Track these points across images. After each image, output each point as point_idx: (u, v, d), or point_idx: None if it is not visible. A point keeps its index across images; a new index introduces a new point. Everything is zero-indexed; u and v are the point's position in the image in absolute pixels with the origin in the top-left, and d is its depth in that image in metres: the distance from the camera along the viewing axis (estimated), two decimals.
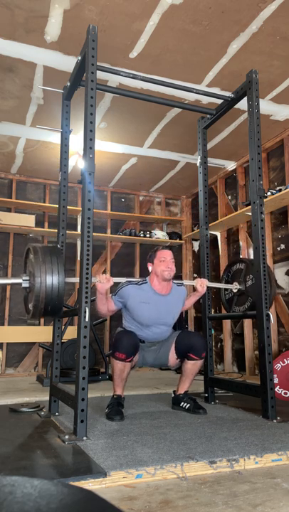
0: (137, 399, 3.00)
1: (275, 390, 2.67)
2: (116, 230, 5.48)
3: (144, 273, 2.99)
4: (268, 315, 2.43)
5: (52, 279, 2.15)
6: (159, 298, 2.63)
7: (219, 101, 3.12)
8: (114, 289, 2.70)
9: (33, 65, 3.04)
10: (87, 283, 2.04)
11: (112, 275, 2.78)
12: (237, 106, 3.08)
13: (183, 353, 2.61)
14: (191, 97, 3.41)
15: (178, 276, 5.62)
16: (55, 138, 4.11)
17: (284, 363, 3.03)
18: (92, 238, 2.08)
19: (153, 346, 2.69)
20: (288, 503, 1.25)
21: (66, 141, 2.83)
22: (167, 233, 5.61)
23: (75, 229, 5.14)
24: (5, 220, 4.72)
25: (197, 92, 2.84)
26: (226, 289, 3.11)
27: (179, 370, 2.87)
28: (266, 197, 3.78)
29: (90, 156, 2.15)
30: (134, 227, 5.60)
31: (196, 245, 5.69)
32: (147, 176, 5.15)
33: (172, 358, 2.67)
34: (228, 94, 2.92)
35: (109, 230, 5.44)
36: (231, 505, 1.23)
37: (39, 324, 4.90)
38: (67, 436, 1.89)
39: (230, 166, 4.84)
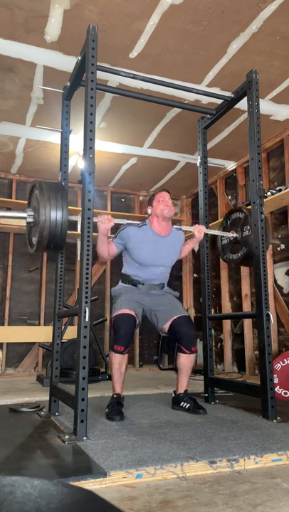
0: (137, 399, 3.00)
1: (275, 390, 2.67)
2: (116, 230, 5.46)
3: None
4: (267, 315, 2.43)
5: (56, 215, 2.19)
6: (158, 239, 2.75)
7: (219, 101, 3.12)
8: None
9: (33, 65, 3.05)
10: (87, 283, 2.04)
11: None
12: (237, 106, 3.08)
13: (174, 339, 2.64)
14: (191, 97, 3.41)
15: (178, 276, 5.63)
16: (55, 138, 4.10)
17: (284, 363, 3.03)
18: (92, 238, 2.09)
19: (152, 290, 2.75)
20: (288, 503, 1.25)
21: (66, 141, 2.83)
22: None
23: (75, 229, 5.13)
24: (5, 220, 4.71)
25: (197, 92, 2.84)
26: (222, 236, 3.23)
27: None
28: (266, 197, 3.78)
29: (90, 156, 2.15)
30: None
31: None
32: (147, 176, 5.15)
33: (166, 325, 2.64)
34: (228, 94, 2.92)
35: (109, 230, 5.43)
36: (231, 505, 1.23)
37: (39, 324, 4.90)
38: (67, 436, 1.89)
39: (230, 166, 4.84)
